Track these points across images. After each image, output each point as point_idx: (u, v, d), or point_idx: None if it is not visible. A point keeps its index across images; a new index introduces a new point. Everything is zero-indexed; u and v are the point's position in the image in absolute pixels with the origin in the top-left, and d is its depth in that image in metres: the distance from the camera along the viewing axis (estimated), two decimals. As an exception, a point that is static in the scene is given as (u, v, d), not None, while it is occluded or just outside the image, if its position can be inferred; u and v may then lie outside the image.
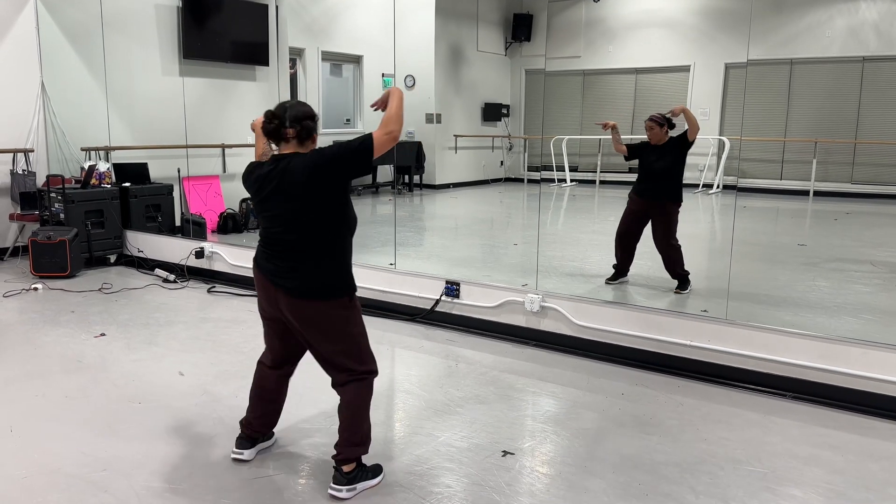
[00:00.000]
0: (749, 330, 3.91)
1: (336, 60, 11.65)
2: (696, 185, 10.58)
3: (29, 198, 6.84)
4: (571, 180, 12.37)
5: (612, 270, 5.57)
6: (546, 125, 13.34)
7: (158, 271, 6.48)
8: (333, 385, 2.81)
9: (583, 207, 11.35)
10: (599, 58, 12.79)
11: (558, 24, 13.30)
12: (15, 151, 6.92)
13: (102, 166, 7.02)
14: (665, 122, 5.22)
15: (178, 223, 7.44)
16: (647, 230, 5.38)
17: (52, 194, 6.57)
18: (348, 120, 12.22)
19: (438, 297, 4.97)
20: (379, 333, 4.75)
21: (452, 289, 4.90)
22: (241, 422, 3.06)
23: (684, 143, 5.16)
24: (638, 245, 5.46)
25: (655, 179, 5.28)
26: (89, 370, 4.05)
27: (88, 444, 3.14)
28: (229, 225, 7.73)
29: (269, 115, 2.67)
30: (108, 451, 3.06)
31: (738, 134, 10.96)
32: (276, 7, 8.71)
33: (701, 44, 11.66)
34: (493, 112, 13.93)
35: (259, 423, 3.02)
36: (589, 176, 12.49)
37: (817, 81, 11.25)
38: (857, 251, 7.24)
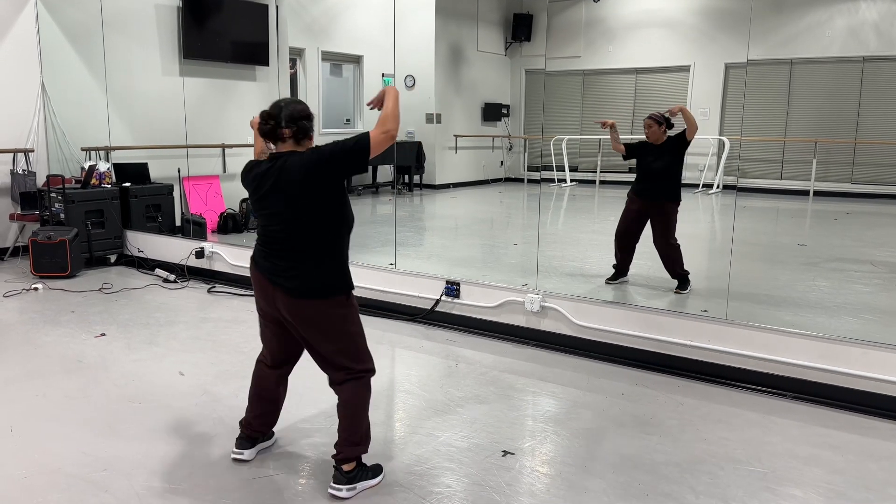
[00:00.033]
0: (749, 330, 3.91)
1: (336, 60, 11.65)
2: (696, 185, 10.58)
3: (29, 198, 6.84)
4: (571, 180, 12.37)
5: (612, 270, 5.57)
6: (546, 125, 13.34)
7: (159, 271, 6.48)
8: (331, 384, 2.81)
9: (583, 207, 11.35)
10: (599, 58, 12.79)
11: (558, 24, 13.30)
12: (15, 151, 6.92)
13: (102, 166, 7.02)
14: (664, 121, 5.22)
15: (178, 223, 7.44)
16: (648, 230, 5.38)
17: (53, 194, 6.57)
18: (348, 120, 12.22)
19: (438, 297, 4.97)
20: (379, 333, 4.75)
21: (452, 289, 4.90)
22: (240, 422, 3.06)
23: (682, 142, 5.16)
24: (638, 245, 5.47)
25: (654, 179, 5.28)
26: (89, 370, 4.05)
27: (89, 443, 3.14)
28: (229, 225, 7.73)
29: (265, 116, 2.67)
30: (108, 451, 3.06)
31: (738, 134, 10.96)
32: (276, 7, 8.71)
33: (701, 44, 11.66)
34: (493, 112, 13.93)
35: (259, 423, 3.02)
36: (589, 176, 12.49)
37: (817, 81, 11.25)
38: (857, 251, 7.24)
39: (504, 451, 3.11)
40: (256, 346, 3.74)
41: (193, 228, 7.14)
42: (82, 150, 7.26)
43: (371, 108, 2.84)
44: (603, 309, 4.39)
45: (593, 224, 9.29)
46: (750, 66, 10.53)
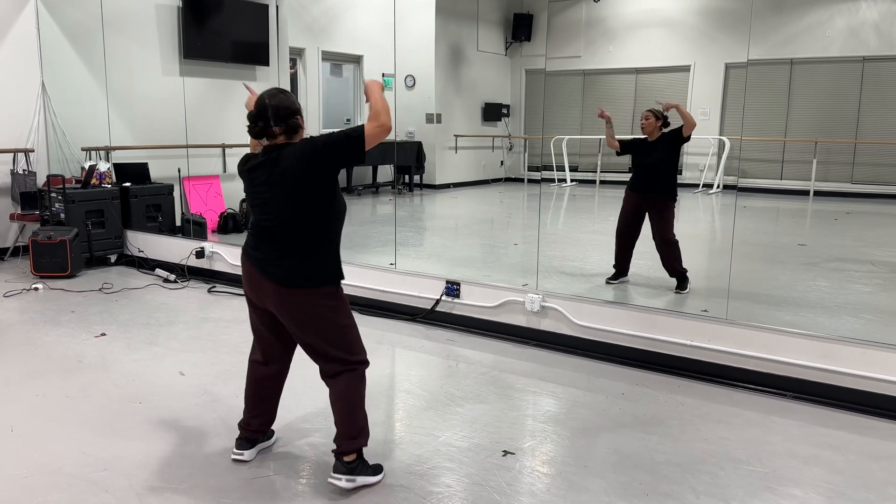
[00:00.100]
0: (749, 330, 3.91)
1: (336, 60, 11.65)
2: (697, 185, 10.58)
3: (29, 198, 6.84)
4: (571, 180, 12.37)
5: (612, 270, 5.57)
6: (546, 125, 13.34)
7: (159, 271, 6.48)
8: (323, 376, 2.80)
9: (583, 207, 11.36)
10: (599, 58, 12.79)
11: (558, 24, 13.31)
12: (15, 151, 6.92)
13: (103, 166, 7.03)
14: (662, 118, 5.24)
15: (178, 223, 7.44)
16: (648, 230, 5.38)
17: (53, 194, 6.57)
18: (348, 120, 12.23)
19: (439, 297, 4.97)
20: (379, 333, 4.75)
21: (453, 289, 4.90)
22: (239, 424, 3.05)
23: (678, 138, 5.17)
24: (637, 244, 5.47)
25: (648, 174, 5.30)
26: (90, 370, 4.05)
27: (89, 443, 3.14)
28: (230, 225, 7.73)
29: (253, 118, 2.68)
30: (108, 451, 3.06)
31: (738, 134, 10.96)
32: (277, 7, 8.72)
33: (701, 44, 11.66)
34: (493, 112, 13.93)
35: (257, 423, 3.01)
36: (589, 176, 12.49)
37: (817, 81, 11.25)
38: (857, 251, 7.24)
39: (504, 451, 3.11)
40: (256, 346, 3.74)
41: (193, 228, 7.14)
42: (82, 149, 7.26)
43: (367, 102, 2.85)
44: (603, 309, 4.39)
45: (593, 224, 9.29)
46: (750, 66, 10.53)
